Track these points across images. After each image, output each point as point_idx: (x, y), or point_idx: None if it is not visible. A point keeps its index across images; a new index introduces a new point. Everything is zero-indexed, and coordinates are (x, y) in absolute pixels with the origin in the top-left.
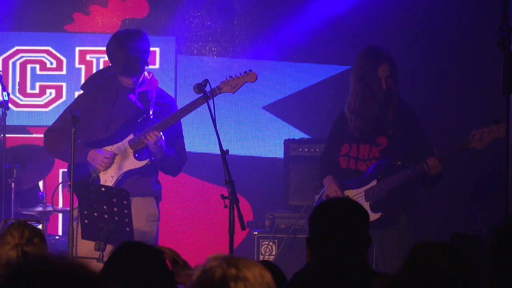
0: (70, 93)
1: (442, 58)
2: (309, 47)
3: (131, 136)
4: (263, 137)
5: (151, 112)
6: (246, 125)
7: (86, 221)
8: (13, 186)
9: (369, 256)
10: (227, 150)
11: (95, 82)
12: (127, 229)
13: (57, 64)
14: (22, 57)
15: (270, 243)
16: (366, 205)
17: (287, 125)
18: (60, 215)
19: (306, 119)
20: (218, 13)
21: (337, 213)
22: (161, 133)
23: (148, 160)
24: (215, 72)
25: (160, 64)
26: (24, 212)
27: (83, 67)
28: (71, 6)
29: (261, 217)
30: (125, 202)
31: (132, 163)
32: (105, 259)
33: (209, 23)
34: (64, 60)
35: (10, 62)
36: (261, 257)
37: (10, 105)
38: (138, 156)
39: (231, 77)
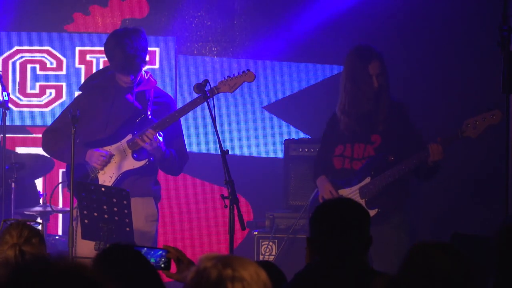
0: (70, 93)
1: (442, 58)
2: (309, 47)
3: (129, 136)
4: (263, 137)
5: (149, 112)
6: (246, 125)
7: (86, 221)
8: (13, 186)
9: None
10: (227, 150)
11: (93, 82)
12: (127, 229)
13: (57, 64)
14: (22, 57)
15: (270, 243)
16: (361, 203)
17: (287, 125)
18: (60, 215)
19: (306, 119)
20: (218, 13)
21: (339, 213)
22: (158, 133)
23: (146, 160)
24: (215, 72)
25: (160, 64)
26: (24, 212)
27: (83, 67)
28: (71, 6)
29: (261, 217)
30: (125, 202)
31: (130, 163)
32: None
33: (209, 23)
34: (64, 60)
35: (10, 62)
36: (261, 257)
37: (10, 105)
38: (137, 156)
39: (229, 76)
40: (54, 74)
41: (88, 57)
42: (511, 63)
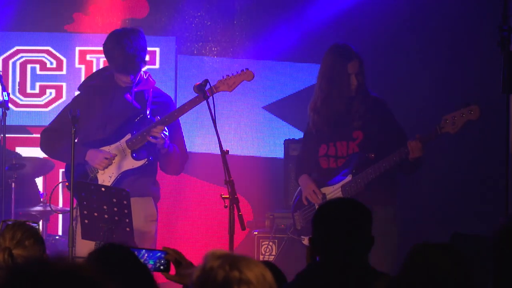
0: (70, 93)
1: (442, 58)
2: (309, 47)
3: (128, 136)
4: (263, 137)
5: (148, 112)
6: (246, 125)
7: (86, 221)
8: (13, 186)
9: None
10: (227, 150)
11: (92, 83)
12: (127, 229)
13: (57, 64)
14: (22, 57)
15: (270, 243)
16: None
17: (287, 125)
18: (60, 215)
19: (306, 119)
20: (218, 13)
21: (341, 213)
22: (165, 127)
23: (146, 159)
24: (215, 72)
25: (160, 64)
26: (24, 212)
27: (83, 67)
28: (71, 6)
29: (261, 217)
30: (125, 202)
31: (130, 163)
32: None
33: (209, 23)
34: (64, 60)
35: (10, 62)
36: (261, 257)
37: (10, 105)
38: (136, 156)
39: (228, 75)
40: (54, 74)
41: (88, 57)
42: (511, 63)
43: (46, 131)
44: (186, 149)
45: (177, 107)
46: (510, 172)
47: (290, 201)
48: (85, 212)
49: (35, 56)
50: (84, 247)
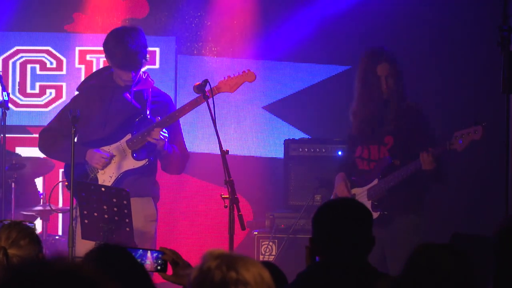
0: (70, 93)
1: (442, 58)
2: (309, 47)
3: (128, 136)
4: (263, 137)
5: (148, 112)
6: (246, 125)
7: (86, 221)
8: (13, 186)
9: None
10: (227, 150)
11: (91, 83)
12: (127, 229)
13: (57, 64)
14: (22, 57)
15: (270, 243)
16: (367, 204)
17: (287, 125)
18: (60, 215)
19: (306, 119)
20: (218, 13)
21: (341, 213)
22: (164, 129)
23: (146, 160)
24: (215, 72)
25: (160, 64)
26: (24, 212)
27: (83, 67)
28: (71, 6)
29: (261, 217)
30: (125, 202)
31: (130, 163)
32: None
33: (209, 23)
34: (64, 60)
35: (10, 62)
36: (261, 257)
37: (10, 105)
38: (137, 156)
39: (229, 76)
40: (54, 74)
41: (88, 57)
42: (511, 63)
43: (44, 131)
44: (187, 149)
45: (177, 107)
46: (510, 172)
47: (290, 201)
48: (85, 212)
49: (35, 56)
50: (84, 247)
